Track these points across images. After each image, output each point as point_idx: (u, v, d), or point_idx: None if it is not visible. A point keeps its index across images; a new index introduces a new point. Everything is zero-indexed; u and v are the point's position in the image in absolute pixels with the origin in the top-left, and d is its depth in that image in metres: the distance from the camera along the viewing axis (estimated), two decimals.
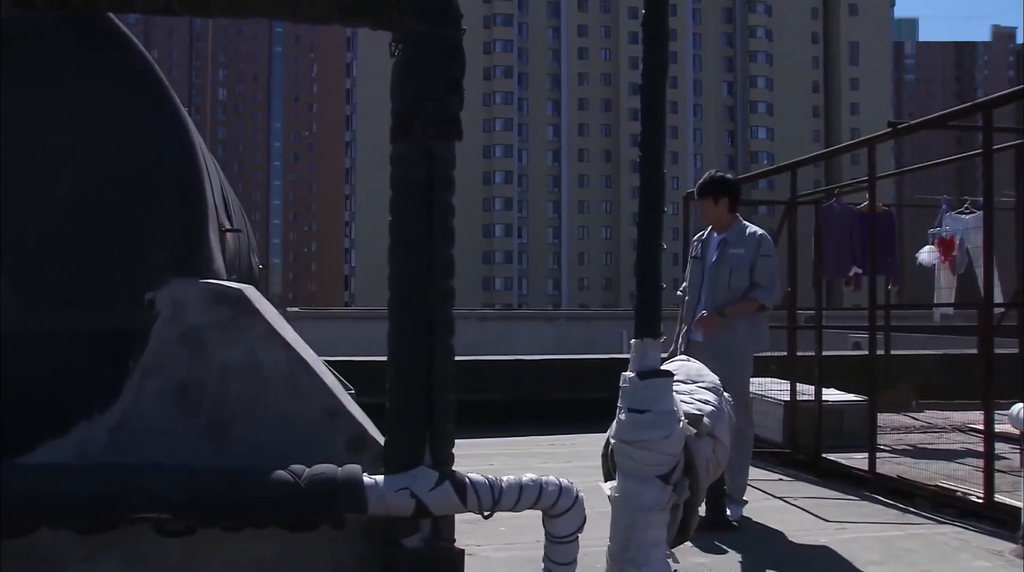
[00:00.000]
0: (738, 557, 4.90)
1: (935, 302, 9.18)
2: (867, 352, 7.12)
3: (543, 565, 3.03)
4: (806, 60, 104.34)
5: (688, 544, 4.22)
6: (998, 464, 5.72)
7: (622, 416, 3.16)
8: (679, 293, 6.09)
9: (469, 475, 2.83)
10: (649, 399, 3.13)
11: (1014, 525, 5.10)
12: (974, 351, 7.33)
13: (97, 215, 2.99)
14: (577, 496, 2.97)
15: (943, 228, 9.01)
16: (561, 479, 2.98)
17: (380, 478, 2.74)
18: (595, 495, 3.31)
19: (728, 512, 5.53)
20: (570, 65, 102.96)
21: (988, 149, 5.81)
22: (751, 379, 5.93)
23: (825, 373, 7.56)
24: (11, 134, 2.94)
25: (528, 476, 2.93)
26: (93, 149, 3.02)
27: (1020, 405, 7.38)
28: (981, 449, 5.81)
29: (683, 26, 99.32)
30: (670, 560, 3.25)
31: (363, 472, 2.74)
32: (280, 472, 2.68)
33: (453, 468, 2.84)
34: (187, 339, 2.88)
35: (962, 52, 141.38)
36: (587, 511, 3.00)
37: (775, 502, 6.23)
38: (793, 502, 6.21)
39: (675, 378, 3.39)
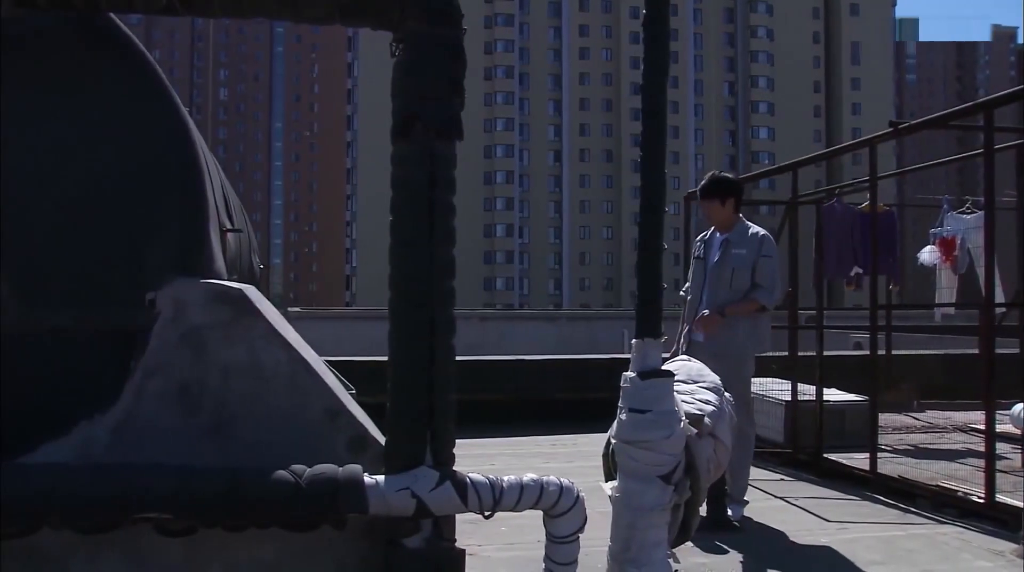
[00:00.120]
0: (739, 557, 4.89)
1: (936, 302, 9.18)
2: (868, 352, 7.11)
3: (544, 565, 3.03)
4: (807, 60, 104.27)
5: (689, 544, 4.21)
6: (999, 464, 5.71)
7: (623, 416, 3.16)
8: (681, 293, 6.09)
9: (470, 475, 2.83)
10: (650, 399, 3.13)
11: (1015, 525, 5.09)
12: (975, 351, 7.34)
13: (98, 215, 3.00)
14: (578, 496, 2.97)
15: (944, 228, 9.02)
16: (562, 479, 2.98)
17: (381, 478, 2.74)
18: (596, 495, 3.31)
19: (729, 512, 5.53)
20: (571, 65, 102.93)
21: (989, 149, 5.80)
22: (752, 379, 5.93)
23: (826, 373, 7.56)
24: (12, 134, 2.94)
25: (529, 476, 2.93)
26: (94, 149, 3.02)
27: (1021, 405, 7.41)
28: (982, 449, 5.81)
29: (684, 26, 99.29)
30: (671, 560, 3.25)
31: (364, 472, 2.74)
32: (281, 472, 2.68)
33: (454, 468, 2.84)
34: (188, 339, 2.89)
35: (963, 52, 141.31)
36: (588, 511, 3.00)
37: (776, 502, 6.23)
38: (794, 502, 6.21)
39: (676, 378, 3.39)
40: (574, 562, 3.02)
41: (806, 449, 7.32)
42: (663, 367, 3.27)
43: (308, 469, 2.70)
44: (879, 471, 6.45)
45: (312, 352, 3.18)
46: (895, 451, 7.39)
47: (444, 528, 2.82)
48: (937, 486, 6.00)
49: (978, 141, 6.76)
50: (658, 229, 3.21)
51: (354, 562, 2.87)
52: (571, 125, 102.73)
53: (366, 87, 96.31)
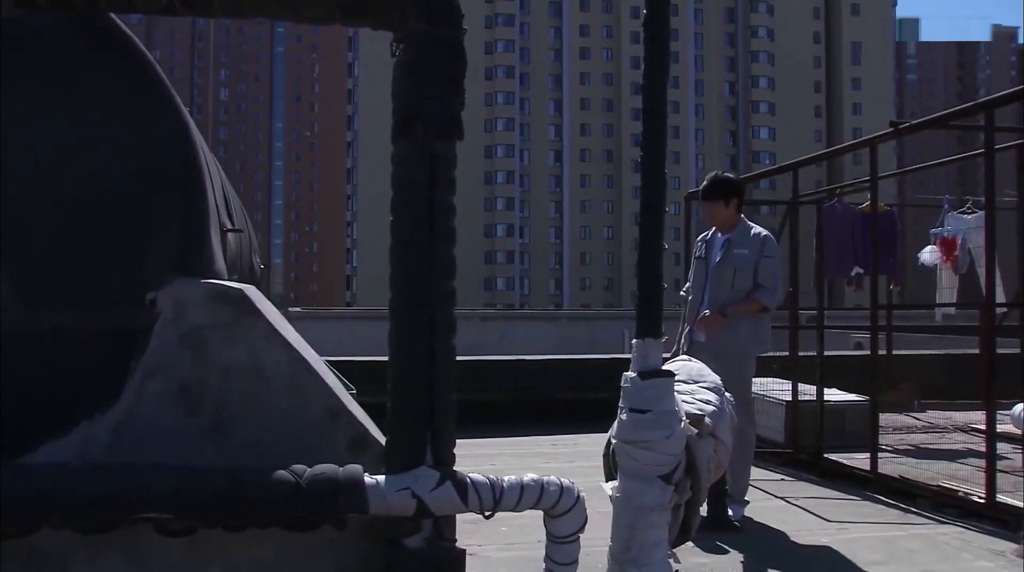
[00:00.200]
0: (740, 557, 4.89)
1: (937, 302, 9.18)
2: (869, 352, 7.11)
3: (544, 565, 3.03)
4: (808, 60, 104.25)
5: (690, 544, 4.21)
6: (1000, 464, 5.71)
7: (623, 416, 3.15)
8: (682, 293, 6.09)
9: (470, 475, 2.83)
10: (650, 399, 3.12)
11: (1016, 525, 5.10)
12: (976, 351, 7.33)
13: (98, 215, 3.00)
14: (578, 496, 2.97)
15: (945, 228, 9.02)
16: (562, 479, 2.98)
17: (381, 478, 2.74)
18: (596, 495, 3.31)
19: (730, 512, 5.52)
20: (572, 65, 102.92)
21: (990, 149, 5.80)
22: (753, 379, 5.93)
23: (827, 373, 7.56)
24: (12, 134, 2.94)
25: (529, 476, 2.93)
26: (94, 149, 3.02)
27: (1022, 405, 7.41)
28: (983, 449, 5.81)
29: (685, 26, 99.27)
30: (671, 560, 3.25)
31: (364, 472, 2.74)
32: (281, 472, 2.68)
33: (454, 468, 2.84)
34: (189, 339, 2.89)
35: (964, 52, 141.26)
36: (588, 511, 3.00)
37: (777, 502, 6.23)
38: (795, 502, 6.21)
39: (676, 378, 3.38)
40: (575, 562, 3.02)
41: (807, 449, 7.32)
42: (663, 367, 3.27)
43: (308, 469, 2.70)
44: (880, 471, 6.45)
45: (312, 352, 3.18)
46: (896, 451, 7.39)
47: (444, 528, 2.82)
48: (938, 486, 5.99)
49: (979, 141, 6.76)
50: (659, 229, 3.21)
51: (354, 562, 2.87)
52: (572, 125, 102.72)
53: (367, 87, 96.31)
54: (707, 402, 3.82)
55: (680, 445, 3.17)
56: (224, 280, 3.13)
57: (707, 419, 3.62)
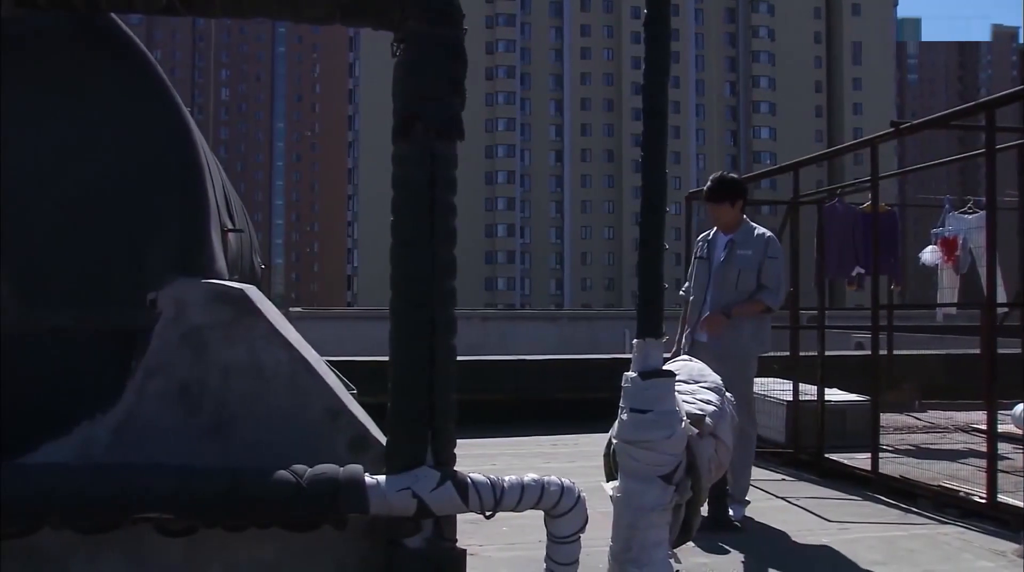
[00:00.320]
0: (740, 557, 4.89)
1: (938, 302, 9.18)
2: (870, 352, 7.10)
3: (545, 565, 3.03)
4: (809, 60, 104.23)
5: (690, 544, 4.21)
6: (1001, 464, 5.70)
7: (624, 416, 3.15)
8: (681, 293, 6.08)
9: (471, 475, 2.83)
10: (651, 399, 3.12)
11: (1017, 525, 5.10)
12: (977, 351, 7.33)
13: (99, 215, 2.99)
14: (579, 496, 2.97)
15: (946, 228, 9.02)
16: (563, 479, 2.98)
17: (382, 478, 2.74)
18: (597, 495, 3.30)
19: (731, 512, 5.52)
20: (572, 65, 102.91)
21: (991, 149, 5.80)
22: (754, 379, 5.93)
23: (828, 373, 7.56)
24: (12, 134, 2.94)
25: (530, 476, 2.93)
26: (95, 149, 3.02)
27: (1023, 405, 7.40)
28: (984, 449, 5.81)
29: (685, 26, 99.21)
30: (672, 560, 3.25)
31: (365, 472, 2.73)
32: (282, 472, 2.68)
33: (455, 468, 2.84)
34: (189, 339, 2.89)
35: (965, 52, 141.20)
36: (589, 511, 3.00)
37: (777, 502, 6.23)
38: (795, 502, 6.21)
39: (677, 378, 3.38)
40: (575, 562, 3.02)
41: (807, 449, 7.32)
42: (664, 367, 3.27)
43: (309, 469, 2.70)
44: (880, 471, 6.45)
45: (313, 352, 3.17)
46: (896, 451, 7.38)
47: (445, 528, 2.82)
48: (939, 486, 5.99)
49: (979, 141, 6.75)
50: (659, 229, 3.21)
51: (355, 562, 2.87)
52: (572, 125, 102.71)
53: (367, 87, 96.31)
54: (708, 402, 3.82)
55: (681, 445, 3.17)
56: (225, 280, 3.13)
57: (708, 419, 3.62)
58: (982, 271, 7.64)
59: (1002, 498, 5.44)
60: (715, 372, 4.30)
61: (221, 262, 3.29)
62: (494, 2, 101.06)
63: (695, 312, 5.81)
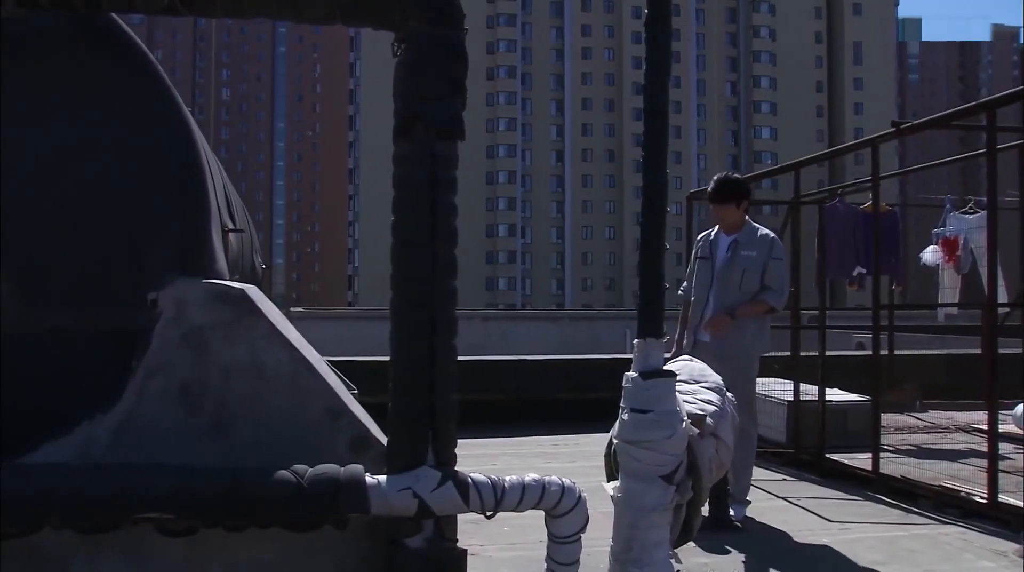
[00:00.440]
0: (741, 557, 4.89)
1: (939, 302, 9.17)
2: (871, 352, 7.10)
3: (546, 565, 3.03)
4: (810, 60, 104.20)
5: (691, 544, 4.21)
6: (1002, 464, 5.70)
7: (625, 416, 3.15)
8: (680, 293, 6.07)
9: (472, 475, 2.83)
10: (652, 399, 3.12)
11: (1018, 526, 5.10)
12: (978, 351, 7.32)
13: (99, 215, 2.99)
14: (580, 496, 2.97)
15: (947, 228, 9.01)
16: (564, 479, 2.98)
17: (383, 478, 2.74)
18: (598, 495, 3.30)
19: (731, 512, 5.52)
20: (573, 65, 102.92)
21: (992, 149, 5.79)
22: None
23: (829, 373, 7.55)
24: (12, 134, 2.94)
25: (531, 476, 2.92)
26: (95, 149, 3.02)
27: (1023, 405, 7.39)
28: (985, 449, 5.81)
29: (686, 26, 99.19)
30: (673, 560, 3.25)
31: (366, 472, 2.73)
32: (282, 472, 2.67)
33: (456, 468, 2.84)
34: (190, 339, 2.89)
35: (966, 52, 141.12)
36: (590, 511, 3.00)
37: (778, 502, 6.23)
38: (796, 502, 6.20)
39: (678, 378, 3.38)
40: (576, 562, 3.02)
41: (808, 449, 7.32)
42: (665, 367, 3.27)
43: (309, 469, 2.70)
44: (881, 471, 6.44)
45: (314, 352, 3.17)
46: (897, 451, 7.38)
47: (446, 528, 2.82)
48: (939, 486, 5.99)
49: (980, 141, 6.75)
50: (660, 229, 3.21)
51: (355, 562, 2.87)
52: (573, 125, 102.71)
53: (368, 87, 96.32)
54: (709, 402, 3.82)
55: (682, 445, 3.17)
56: (225, 280, 3.13)
57: (709, 419, 3.62)
58: (983, 271, 7.63)
59: (1003, 498, 5.44)
60: (717, 372, 4.29)
61: (222, 262, 3.29)
62: (495, 2, 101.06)
63: (697, 312, 5.80)
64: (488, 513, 2.84)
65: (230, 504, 2.64)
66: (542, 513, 2.97)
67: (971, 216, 8.83)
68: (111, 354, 2.95)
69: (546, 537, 3.01)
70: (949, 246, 8.90)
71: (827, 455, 7.09)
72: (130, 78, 3.10)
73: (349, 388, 3.84)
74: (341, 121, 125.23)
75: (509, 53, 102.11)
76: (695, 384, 4.03)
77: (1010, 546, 4.94)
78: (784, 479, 7.00)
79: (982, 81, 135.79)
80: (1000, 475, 5.51)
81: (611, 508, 3.20)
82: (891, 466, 6.57)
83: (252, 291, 3.02)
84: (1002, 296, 7.35)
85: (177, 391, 2.86)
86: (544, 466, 7.21)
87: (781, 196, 9.41)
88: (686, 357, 4.95)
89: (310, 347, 3.18)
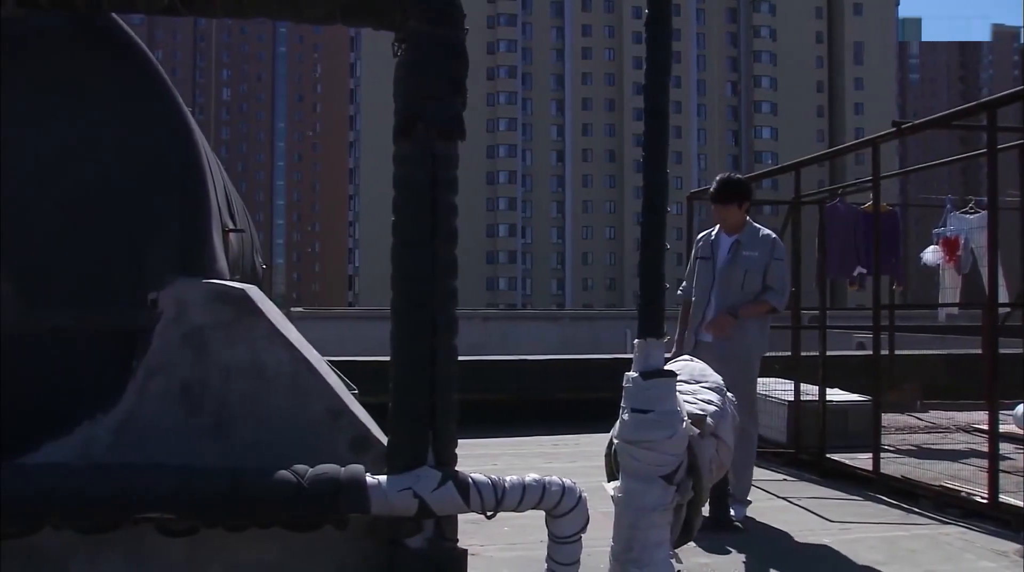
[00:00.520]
0: (742, 557, 4.89)
1: (939, 302, 9.17)
2: (871, 352, 7.10)
3: (546, 565, 3.03)
4: (810, 60, 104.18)
5: (692, 544, 4.20)
6: (1002, 464, 5.70)
7: (625, 416, 3.15)
8: (679, 293, 6.06)
9: (472, 475, 2.83)
10: (652, 399, 3.12)
11: (1018, 526, 5.10)
12: (978, 351, 7.32)
13: (99, 215, 2.99)
14: (580, 496, 2.97)
15: (947, 228, 9.00)
16: (564, 479, 2.98)
17: (383, 478, 2.74)
18: (598, 495, 3.30)
19: (732, 512, 5.51)
20: (574, 65, 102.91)
21: (992, 149, 5.79)
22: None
23: (829, 373, 7.55)
24: (12, 134, 2.94)
25: (531, 476, 2.92)
26: (96, 149, 3.02)
27: None
28: (985, 449, 5.80)
29: (687, 26, 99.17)
30: (673, 560, 3.25)
31: (366, 472, 2.73)
32: (283, 472, 2.67)
33: (456, 468, 2.84)
34: (190, 339, 2.89)
35: (967, 52, 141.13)
36: (590, 511, 3.00)
37: (779, 502, 6.22)
38: (797, 502, 6.20)
39: (678, 378, 3.38)
40: (576, 562, 3.02)
41: (809, 449, 7.32)
42: (665, 367, 3.26)
43: (310, 469, 2.70)
44: (882, 471, 6.44)
45: (314, 352, 3.17)
46: (898, 451, 7.38)
47: (446, 528, 2.82)
48: (940, 486, 5.99)
49: (981, 141, 6.75)
50: (660, 229, 3.21)
51: (356, 562, 2.87)
52: (574, 125, 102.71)
53: (369, 87, 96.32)
54: (709, 402, 3.82)
55: (682, 445, 3.17)
56: (226, 280, 3.13)
57: (709, 419, 3.61)
58: (983, 271, 7.63)
59: (1004, 498, 5.44)
60: (718, 372, 4.29)
61: (222, 262, 3.29)
62: (495, 2, 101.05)
63: (698, 312, 5.79)
64: (488, 513, 2.84)
65: (230, 504, 2.64)
66: (543, 513, 2.97)
67: (972, 216, 8.82)
68: (111, 354, 2.95)
69: (546, 537, 3.01)
70: (950, 246, 8.90)
71: (828, 455, 7.09)
72: (130, 78, 3.10)
73: (350, 388, 3.84)
74: (341, 121, 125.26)
75: (509, 53, 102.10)
76: (695, 384, 4.03)
77: (1011, 546, 4.94)
78: (785, 479, 7.00)
79: (983, 81, 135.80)
80: (1001, 475, 5.50)
81: (611, 508, 3.20)
82: (892, 466, 6.57)
83: (253, 291, 3.02)
84: (1003, 296, 7.34)
85: (177, 391, 2.86)
86: (545, 466, 7.21)
87: (782, 196, 9.41)
88: (686, 357, 4.95)
89: (311, 347, 3.18)
